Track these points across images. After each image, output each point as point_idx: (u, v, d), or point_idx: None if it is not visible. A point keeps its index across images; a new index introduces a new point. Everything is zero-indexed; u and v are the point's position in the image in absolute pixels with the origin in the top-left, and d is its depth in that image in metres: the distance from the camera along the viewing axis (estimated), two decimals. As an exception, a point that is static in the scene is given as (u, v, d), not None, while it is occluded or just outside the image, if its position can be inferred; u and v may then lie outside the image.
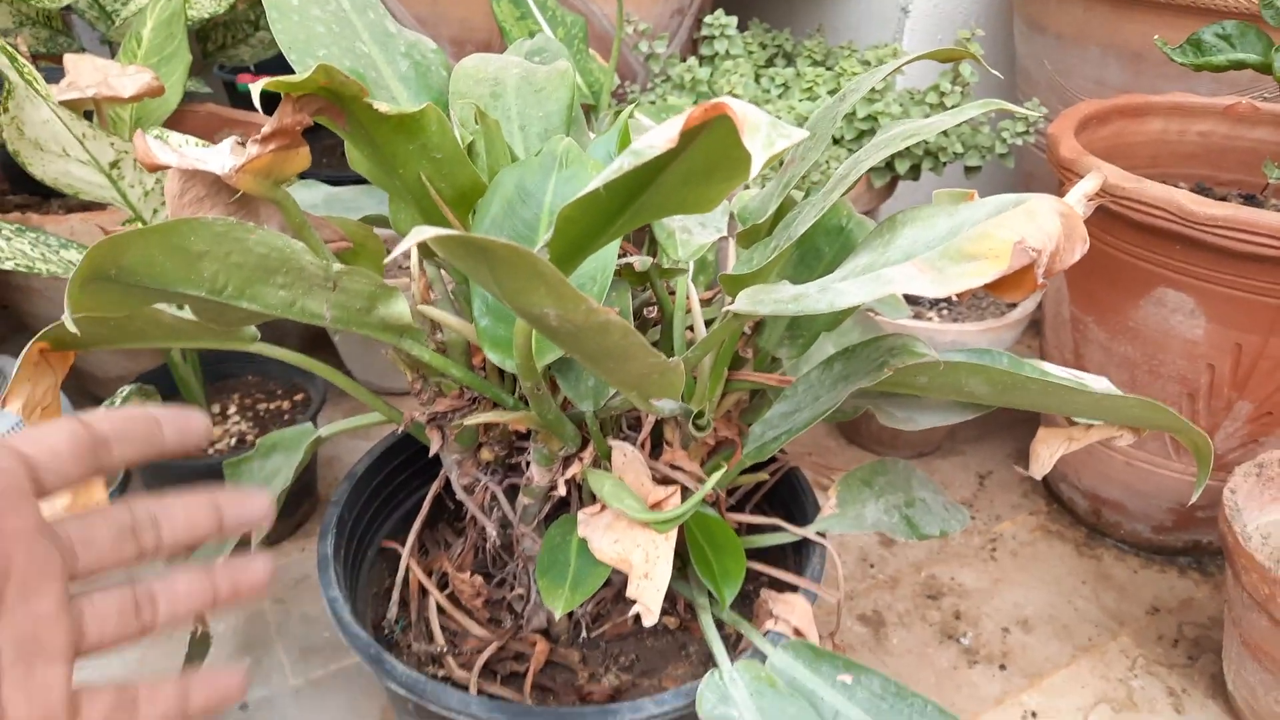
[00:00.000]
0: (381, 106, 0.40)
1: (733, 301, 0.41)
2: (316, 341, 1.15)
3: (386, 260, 0.30)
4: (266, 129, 0.39)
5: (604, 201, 0.33)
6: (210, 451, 0.81)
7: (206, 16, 1.05)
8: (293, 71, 0.46)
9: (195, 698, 0.33)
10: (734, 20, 1.12)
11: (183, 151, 0.40)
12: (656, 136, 0.30)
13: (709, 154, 0.31)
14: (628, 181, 0.32)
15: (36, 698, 0.27)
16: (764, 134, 0.29)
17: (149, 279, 0.39)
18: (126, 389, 0.69)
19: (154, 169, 0.40)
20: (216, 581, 0.34)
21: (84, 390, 1.01)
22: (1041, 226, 0.35)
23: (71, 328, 0.40)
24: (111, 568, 0.31)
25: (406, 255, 1.05)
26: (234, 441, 0.82)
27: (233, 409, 0.86)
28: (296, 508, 0.86)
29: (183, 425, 0.33)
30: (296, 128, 0.39)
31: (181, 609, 0.33)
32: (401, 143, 0.44)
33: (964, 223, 0.37)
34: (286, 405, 0.87)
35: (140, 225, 0.73)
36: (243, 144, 0.39)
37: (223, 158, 0.39)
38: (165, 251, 0.39)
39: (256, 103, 0.36)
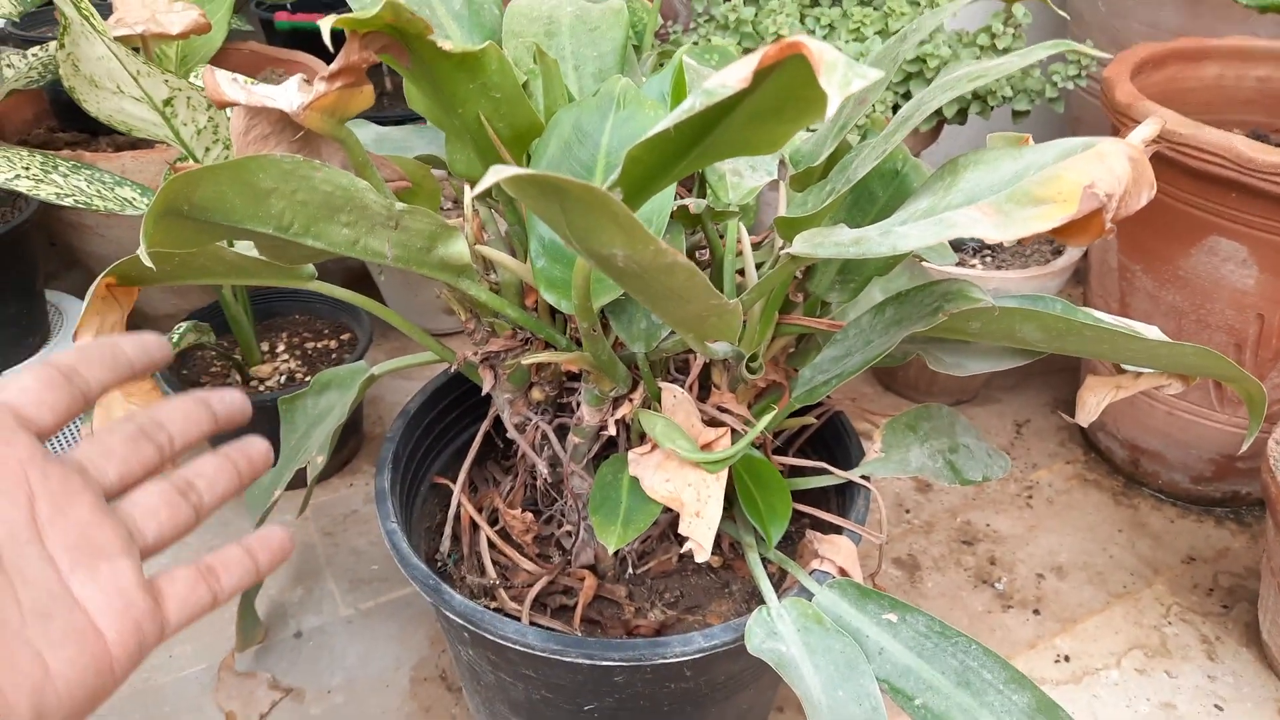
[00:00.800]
0: (445, 44, 0.40)
1: (788, 245, 0.42)
2: (357, 281, 1.16)
3: (471, 195, 0.30)
4: (334, 66, 0.39)
5: (672, 141, 0.33)
6: (261, 389, 0.83)
7: (247, -47, 1.05)
8: (327, 11, 0.47)
9: (261, 557, 0.34)
10: (779, -42, 1.09)
11: (250, 89, 0.40)
12: (729, 75, 0.30)
13: (780, 93, 0.31)
14: (695, 122, 0.32)
15: (110, 589, 0.29)
16: (840, 73, 0.29)
17: (219, 215, 0.40)
18: (183, 326, 0.71)
19: (223, 105, 0.41)
20: (234, 459, 0.35)
21: (136, 328, 1.03)
22: (1112, 169, 0.35)
23: (147, 261, 0.41)
24: (140, 473, 0.32)
25: (460, 196, 1.06)
26: (283, 379, 0.84)
27: (281, 347, 0.88)
28: (344, 444, 0.88)
29: (138, 341, 0.35)
30: (362, 65, 0.40)
31: (220, 487, 0.34)
32: (462, 81, 0.44)
33: (1030, 165, 0.37)
34: (334, 344, 0.88)
35: (192, 162, 0.74)
36: (309, 81, 0.40)
37: (290, 95, 0.39)
38: (235, 188, 0.39)
39: (327, 40, 0.36)
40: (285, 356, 0.86)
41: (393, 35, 0.41)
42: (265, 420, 0.64)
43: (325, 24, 0.37)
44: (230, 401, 0.36)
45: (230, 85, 0.40)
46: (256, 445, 0.37)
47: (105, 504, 0.30)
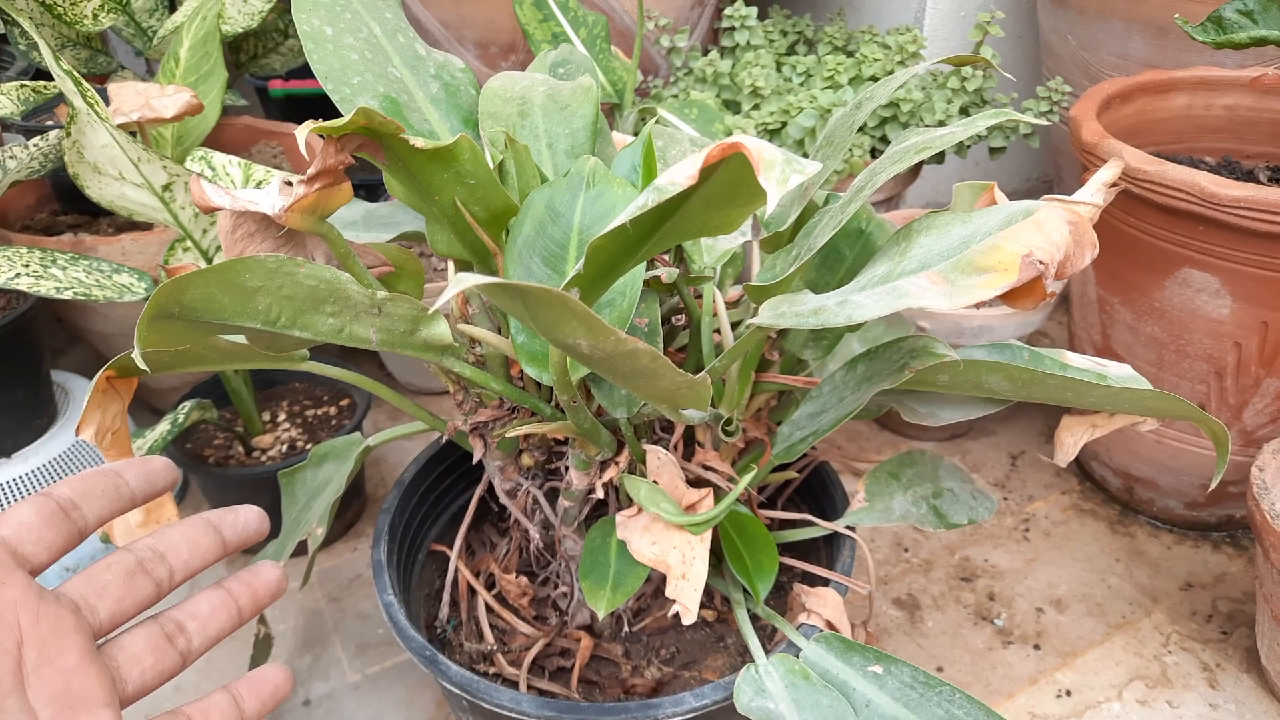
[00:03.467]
0: (417, 142, 0.43)
1: (756, 312, 0.43)
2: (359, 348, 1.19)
3: (431, 310, 0.32)
4: (311, 170, 0.41)
5: (630, 232, 0.35)
6: (263, 459, 0.84)
7: (240, 31, 1.08)
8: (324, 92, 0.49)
9: (248, 704, 0.33)
10: (754, 11, 1.12)
11: (234, 194, 0.42)
12: (678, 174, 0.32)
13: (727, 186, 0.33)
14: (653, 215, 0.34)
15: None
16: (778, 170, 0.31)
17: (209, 314, 0.42)
18: (187, 405, 0.73)
19: (208, 210, 0.43)
20: (235, 595, 0.35)
21: (142, 402, 1.05)
22: (1049, 237, 0.37)
23: (141, 364, 0.43)
24: (134, 610, 0.32)
25: (445, 264, 1.08)
26: (285, 449, 0.86)
27: (282, 416, 0.90)
28: (346, 508, 0.89)
29: (143, 470, 0.34)
30: (339, 166, 0.42)
31: (212, 629, 0.33)
32: (436, 171, 0.46)
33: (976, 233, 0.39)
34: (333, 411, 0.90)
35: (183, 258, 0.76)
36: (290, 184, 0.42)
37: (272, 198, 0.41)
38: (223, 289, 0.41)
39: (303, 149, 0.38)
40: (286, 425, 0.88)
41: (368, 135, 0.43)
42: (267, 492, 0.66)
43: (301, 133, 0.39)
44: (244, 526, 0.35)
45: (215, 192, 0.42)
46: (264, 575, 0.35)
47: (94, 648, 0.30)
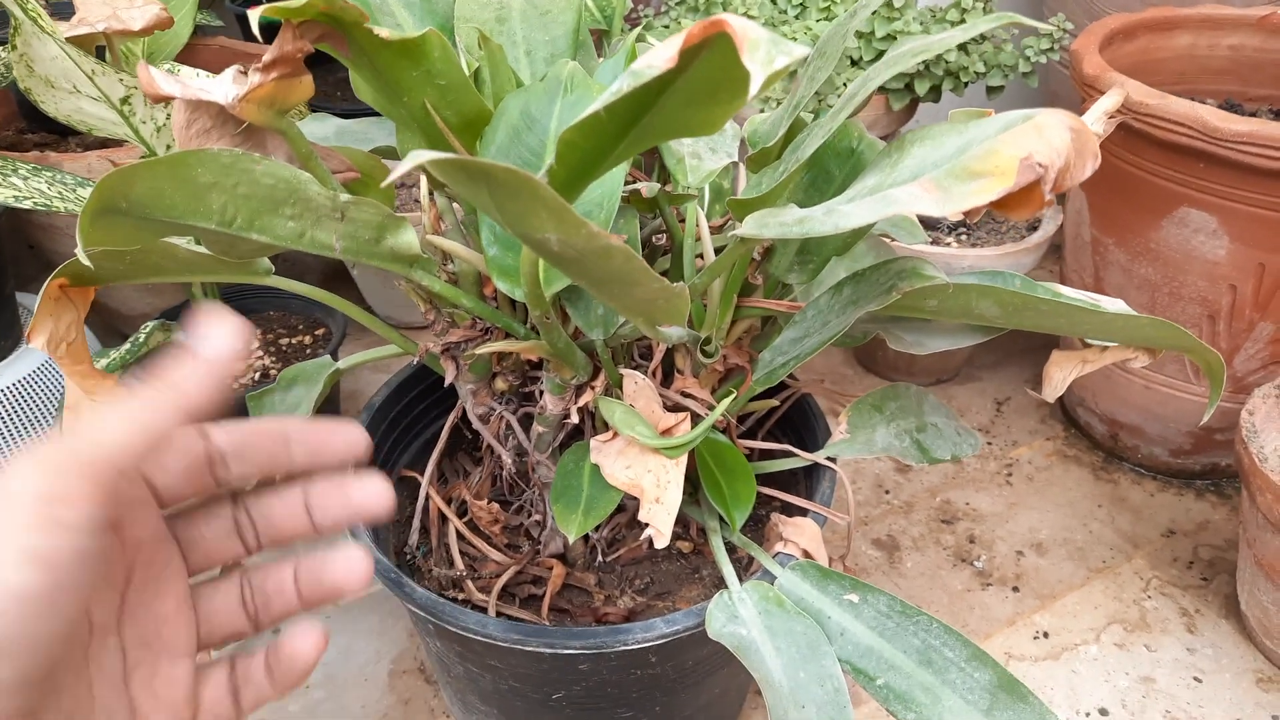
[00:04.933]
0: (382, 32, 0.40)
1: (740, 225, 0.41)
2: (336, 276, 1.16)
3: (384, 183, 0.30)
4: (267, 57, 0.38)
5: (606, 125, 0.33)
6: (235, 386, 0.82)
7: (213, -53, 1.04)
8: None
9: (280, 675, 0.31)
10: (749, -61, 1.08)
11: (185, 81, 0.40)
12: (656, 56, 0.30)
13: (709, 73, 0.31)
14: (629, 103, 0.32)
15: (163, 694, 0.27)
16: (764, 51, 0.29)
17: (159, 211, 0.40)
18: (150, 325, 0.71)
19: (157, 100, 0.40)
20: (303, 577, 0.31)
21: (111, 328, 1.03)
22: (1050, 142, 0.34)
23: (85, 260, 0.40)
24: (222, 562, 0.31)
25: (416, 185, 1.05)
26: (257, 376, 0.84)
27: (255, 344, 0.87)
28: (320, 440, 0.88)
29: (314, 444, 0.31)
30: (297, 55, 0.39)
31: (290, 605, 0.31)
32: (405, 69, 0.44)
33: (973, 140, 0.37)
34: (308, 340, 0.88)
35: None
36: (245, 73, 0.39)
37: (225, 87, 0.39)
38: (173, 183, 0.39)
39: (255, 31, 0.36)
40: (259, 353, 0.86)
41: (329, 24, 0.40)
42: (234, 417, 0.64)
43: (254, 15, 0.36)
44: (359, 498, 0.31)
45: (165, 79, 0.39)
46: (339, 566, 0.32)
47: (189, 597, 0.29)
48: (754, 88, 0.29)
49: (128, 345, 0.67)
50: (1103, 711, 0.68)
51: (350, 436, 0.31)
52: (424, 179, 0.56)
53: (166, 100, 0.40)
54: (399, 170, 0.27)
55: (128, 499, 0.27)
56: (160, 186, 0.39)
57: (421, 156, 0.27)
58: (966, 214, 0.38)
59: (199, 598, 0.30)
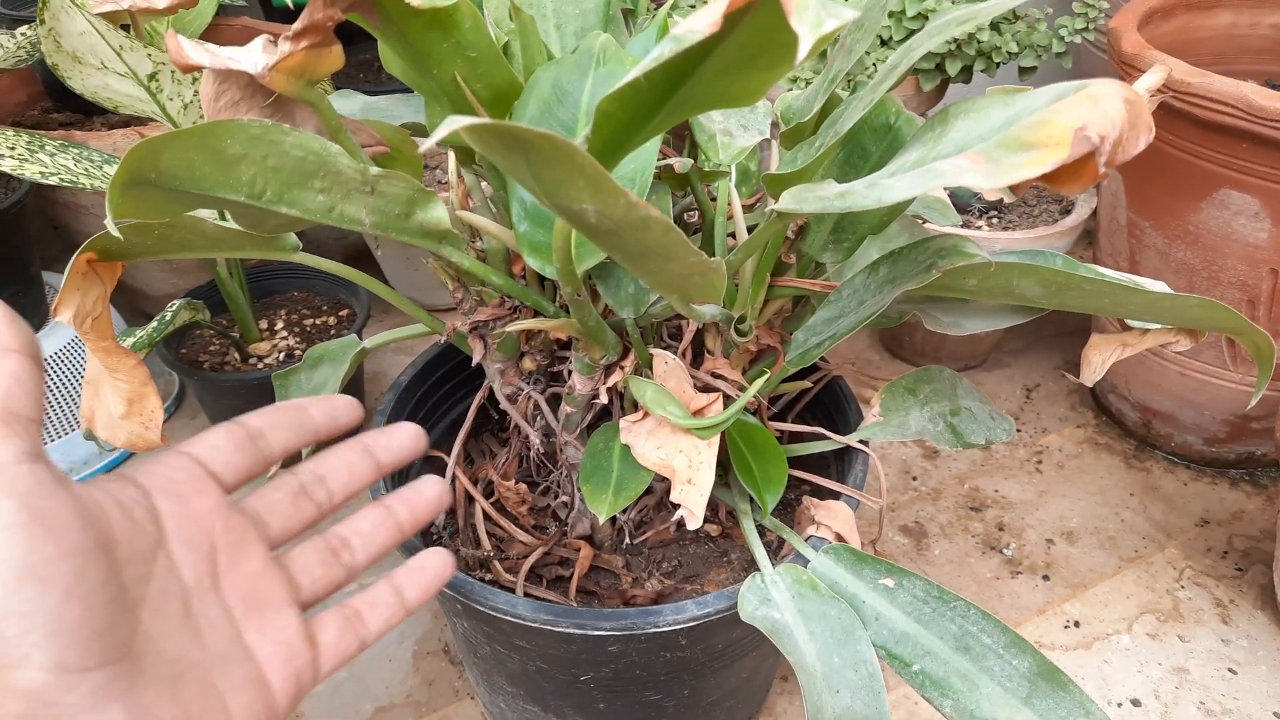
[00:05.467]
0: (414, 1, 0.39)
1: (776, 201, 0.40)
2: (359, 259, 1.16)
3: (422, 148, 0.29)
4: (297, 25, 0.38)
5: (644, 93, 0.32)
6: (260, 366, 0.82)
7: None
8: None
9: (409, 593, 0.34)
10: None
11: (214, 51, 0.39)
12: (698, 20, 0.29)
13: (753, 38, 0.30)
14: (668, 71, 0.31)
15: (277, 638, 0.30)
16: (813, 13, 0.28)
17: (188, 183, 0.39)
18: (176, 303, 0.70)
19: (187, 70, 0.40)
20: (395, 511, 0.35)
21: (136, 308, 1.03)
22: (1105, 112, 0.33)
23: (114, 232, 0.40)
24: (299, 529, 0.33)
25: (441, 166, 1.04)
26: (282, 356, 0.83)
27: (280, 325, 0.87)
28: (344, 421, 0.87)
29: (327, 406, 0.35)
30: (328, 23, 0.38)
31: (375, 545, 0.34)
32: (435, 40, 0.43)
33: (1022, 111, 0.35)
34: (332, 320, 0.88)
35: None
36: (274, 42, 0.39)
37: (255, 56, 0.38)
38: (202, 154, 0.38)
39: (288, 2, 0.35)
40: (284, 334, 0.86)
41: (360, -9, 0.39)
42: (263, 400, 0.63)
43: (286, -20, 0.35)
44: (398, 448, 0.36)
45: (194, 48, 0.39)
46: (425, 492, 0.36)
47: (273, 556, 0.32)
48: (802, 51, 0.28)
49: (154, 324, 0.67)
50: (1135, 702, 0.67)
51: (346, 401, 0.36)
52: (451, 156, 0.55)
53: (196, 70, 0.40)
54: (437, 135, 0.26)
55: (178, 482, 0.30)
56: (189, 157, 0.38)
57: (458, 122, 0.27)
58: (1014, 189, 0.37)
59: (285, 559, 0.32)
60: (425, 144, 0.27)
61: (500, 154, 0.31)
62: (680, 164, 0.49)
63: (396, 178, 0.42)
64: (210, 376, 0.79)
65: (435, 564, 0.35)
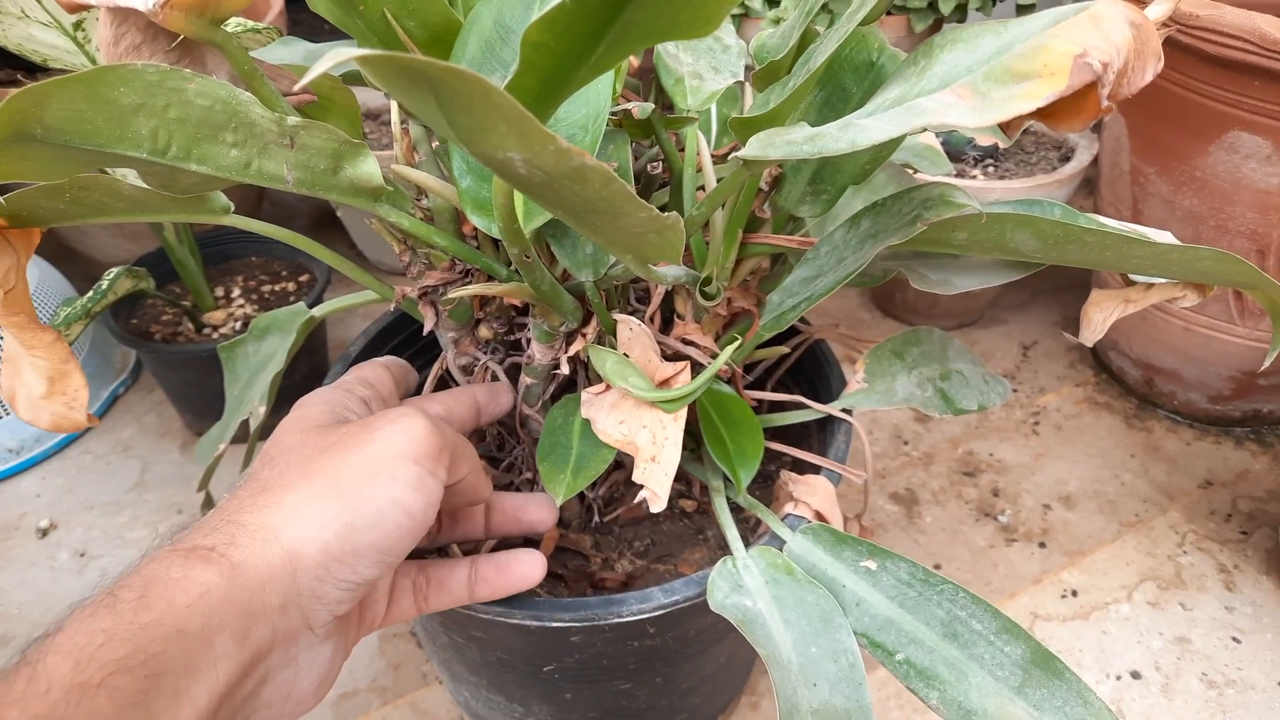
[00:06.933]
0: (326, -75, 0.34)
1: (744, 147, 0.36)
2: (326, 220, 1.11)
3: (297, 86, 0.25)
4: (191, -46, 0.33)
5: (577, 20, 0.28)
6: (215, 335, 0.78)
7: None
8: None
9: (479, 590, 0.43)
10: None
11: (103, -13, 0.34)
12: (632, -70, 0.24)
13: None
14: (604, -8, 0.27)
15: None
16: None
17: (79, 138, 0.35)
18: (114, 271, 0.66)
19: (74, 9, 0.35)
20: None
21: (87, 274, 0.98)
22: (1109, 36, 0.29)
23: (-6, 196, 0.36)
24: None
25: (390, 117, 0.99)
26: (239, 325, 0.79)
27: (236, 292, 0.83)
28: (307, 390, 0.83)
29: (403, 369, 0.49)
30: (228, -48, 0.34)
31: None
32: (359, -27, 0.38)
33: (1015, 39, 0.31)
34: (291, 286, 0.83)
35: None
36: (168, -24, 0.34)
37: (146, -8, 0.34)
38: (93, 105, 0.34)
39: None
40: (240, 301, 0.81)
41: (264, -84, 0.35)
42: (218, 370, 0.60)
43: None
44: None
45: (76, -17, 0.34)
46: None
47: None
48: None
49: (90, 293, 0.63)
50: (1135, 674, 0.64)
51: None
52: (394, 105, 0.50)
53: (83, 9, 0.35)
54: (316, 69, 0.22)
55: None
56: (79, 109, 0.34)
57: (345, 54, 0.22)
58: (1006, 128, 0.33)
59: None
60: (305, 78, 0.22)
61: (406, 94, 0.26)
62: (639, 109, 0.45)
63: (318, 128, 0.38)
64: (161, 348, 0.75)
65: (526, 569, 0.43)
